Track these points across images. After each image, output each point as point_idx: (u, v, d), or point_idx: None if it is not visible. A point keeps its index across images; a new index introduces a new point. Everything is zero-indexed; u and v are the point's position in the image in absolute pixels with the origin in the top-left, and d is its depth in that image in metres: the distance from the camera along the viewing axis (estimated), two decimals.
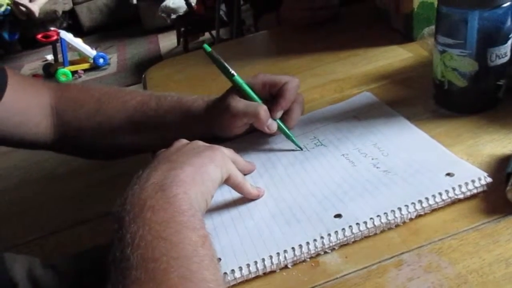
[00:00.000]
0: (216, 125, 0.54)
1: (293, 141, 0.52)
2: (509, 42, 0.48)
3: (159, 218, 0.35)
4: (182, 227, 0.35)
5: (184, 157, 0.42)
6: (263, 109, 0.50)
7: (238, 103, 0.51)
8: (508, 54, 0.49)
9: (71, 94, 0.61)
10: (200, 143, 0.46)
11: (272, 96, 0.53)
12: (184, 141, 0.47)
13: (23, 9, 3.74)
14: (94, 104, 0.59)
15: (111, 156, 0.65)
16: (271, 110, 0.52)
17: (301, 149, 0.52)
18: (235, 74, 0.53)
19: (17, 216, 1.98)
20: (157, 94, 0.59)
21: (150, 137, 0.58)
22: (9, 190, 2.17)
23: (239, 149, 0.53)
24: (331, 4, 0.86)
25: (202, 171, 0.41)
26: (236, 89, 0.53)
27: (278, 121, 0.52)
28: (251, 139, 0.56)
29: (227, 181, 0.44)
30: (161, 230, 0.34)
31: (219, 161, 0.43)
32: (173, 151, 0.44)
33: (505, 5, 0.46)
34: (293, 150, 0.52)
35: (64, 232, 1.80)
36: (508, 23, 0.47)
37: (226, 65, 0.53)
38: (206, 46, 0.53)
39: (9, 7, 3.84)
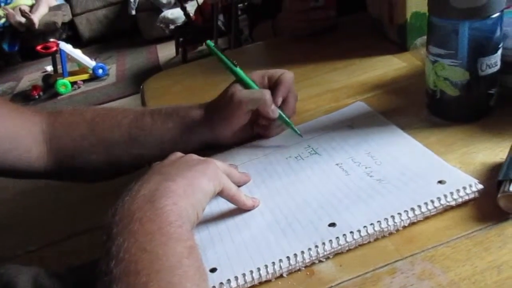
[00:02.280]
0: (218, 120, 0.55)
1: (292, 128, 0.56)
2: (499, 52, 0.49)
3: (146, 230, 0.35)
4: (168, 239, 0.35)
5: (177, 170, 0.42)
6: (268, 93, 0.54)
7: (243, 91, 0.55)
8: (499, 63, 0.49)
9: (63, 119, 0.61)
10: (194, 156, 0.47)
11: (269, 87, 0.57)
12: (179, 154, 0.48)
13: (22, 20, 3.77)
14: (87, 125, 0.59)
15: (111, 176, 0.64)
16: (273, 97, 0.55)
17: (301, 136, 0.55)
18: (237, 66, 0.56)
19: (16, 228, 1.97)
20: (150, 109, 0.60)
21: (149, 151, 0.58)
22: (7, 201, 2.17)
23: (235, 160, 0.54)
24: (328, 16, 0.87)
25: (194, 184, 0.41)
26: (238, 82, 0.56)
27: (277, 109, 0.55)
28: (246, 150, 0.56)
29: (221, 194, 0.44)
30: (146, 242, 0.34)
31: (212, 174, 0.43)
32: (167, 163, 0.45)
33: (494, 15, 0.47)
34: (290, 154, 0.53)
35: (63, 243, 1.80)
36: (498, 33, 0.48)
37: (226, 59, 0.56)
38: (209, 42, 0.57)
39: None
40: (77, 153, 0.59)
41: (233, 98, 0.54)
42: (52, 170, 0.60)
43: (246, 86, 0.55)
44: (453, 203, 0.41)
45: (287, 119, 0.56)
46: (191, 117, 0.57)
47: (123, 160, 0.60)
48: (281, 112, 0.56)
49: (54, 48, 3.31)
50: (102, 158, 0.59)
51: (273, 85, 0.57)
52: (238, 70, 0.56)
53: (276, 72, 0.57)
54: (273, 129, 0.58)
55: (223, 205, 0.47)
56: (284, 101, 0.57)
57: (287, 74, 0.56)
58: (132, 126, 0.58)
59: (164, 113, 0.58)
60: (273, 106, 0.54)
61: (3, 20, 3.87)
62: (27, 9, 3.90)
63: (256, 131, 0.58)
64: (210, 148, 0.57)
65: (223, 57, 0.56)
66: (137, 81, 3.32)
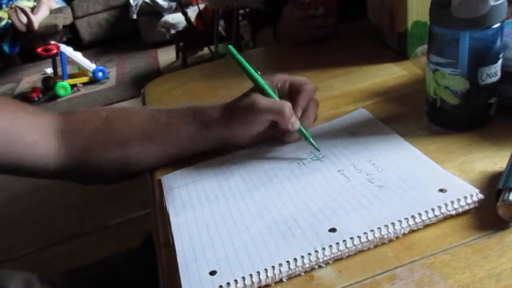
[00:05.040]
0: (237, 124, 0.55)
1: (310, 142, 0.54)
2: (499, 62, 0.49)
3: None
4: None
5: None
6: (288, 106, 0.53)
7: (263, 100, 0.53)
8: (499, 73, 0.50)
9: (76, 115, 0.60)
10: None
11: (290, 93, 0.56)
12: None
13: (23, 18, 3.78)
14: (103, 120, 0.59)
15: (126, 175, 0.61)
16: (293, 107, 0.54)
17: (318, 150, 0.54)
18: (259, 73, 0.55)
19: (13, 229, 1.97)
20: (166, 107, 0.60)
21: (164, 148, 0.58)
22: (4, 202, 2.17)
23: (236, 163, 0.54)
24: (327, 23, 0.87)
25: None
26: (257, 90, 0.55)
27: (298, 121, 0.54)
28: (248, 154, 0.57)
29: None
30: None
31: None
32: None
33: (495, 26, 0.47)
34: (292, 159, 0.53)
35: (60, 246, 1.79)
36: (498, 43, 0.48)
37: (249, 65, 0.55)
38: (230, 46, 0.56)
39: (10, 21, 3.88)
40: (91, 149, 0.58)
41: (254, 106, 0.53)
42: (64, 168, 0.58)
43: (265, 94, 0.55)
44: (453, 212, 0.41)
45: (305, 133, 0.55)
46: (209, 115, 0.57)
47: (139, 157, 0.58)
48: (300, 126, 0.54)
49: (55, 51, 3.31)
50: (117, 154, 0.58)
51: (295, 93, 0.56)
52: (260, 78, 0.55)
53: (300, 79, 0.57)
54: (291, 135, 0.56)
55: (223, 207, 0.47)
56: (304, 110, 0.56)
57: (309, 85, 0.56)
58: (149, 118, 0.58)
59: (181, 108, 0.58)
60: (293, 118, 0.53)
61: (4, 21, 3.88)
62: (27, 9, 3.92)
63: (275, 134, 0.56)
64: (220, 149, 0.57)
65: (245, 63, 0.55)
66: (136, 85, 3.32)
